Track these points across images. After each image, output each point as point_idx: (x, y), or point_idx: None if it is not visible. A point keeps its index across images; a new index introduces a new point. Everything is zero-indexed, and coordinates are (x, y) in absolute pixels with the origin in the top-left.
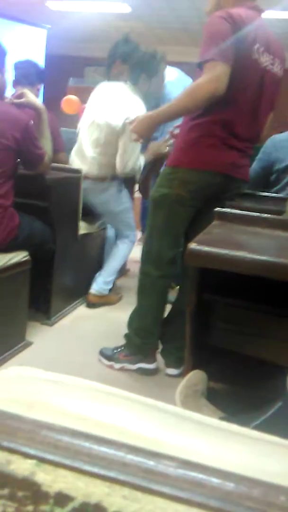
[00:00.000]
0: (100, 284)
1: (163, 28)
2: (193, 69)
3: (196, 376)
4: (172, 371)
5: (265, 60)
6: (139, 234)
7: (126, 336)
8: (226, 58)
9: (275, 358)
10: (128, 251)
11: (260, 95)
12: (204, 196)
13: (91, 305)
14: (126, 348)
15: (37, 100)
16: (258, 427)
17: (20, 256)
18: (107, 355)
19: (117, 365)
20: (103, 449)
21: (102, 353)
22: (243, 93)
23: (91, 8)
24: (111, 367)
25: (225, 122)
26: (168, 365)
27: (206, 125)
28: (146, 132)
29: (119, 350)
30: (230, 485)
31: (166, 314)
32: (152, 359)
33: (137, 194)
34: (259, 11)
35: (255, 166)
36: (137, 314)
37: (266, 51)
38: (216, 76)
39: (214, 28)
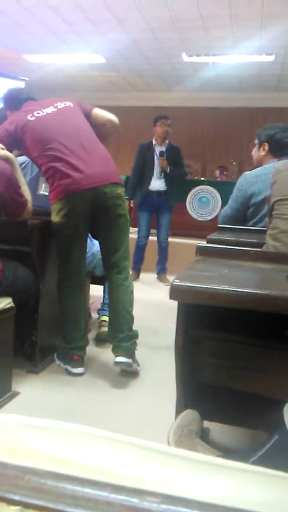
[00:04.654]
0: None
1: (136, 75)
2: (167, 112)
3: (189, 416)
4: (120, 358)
5: (45, 111)
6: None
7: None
8: None
9: (268, 391)
10: None
11: (64, 125)
12: (82, 214)
13: (101, 340)
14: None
15: (5, 151)
16: (256, 462)
17: (4, 302)
18: (59, 352)
19: (57, 361)
20: (87, 490)
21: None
22: (47, 137)
23: (67, 60)
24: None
25: (53, 159)
26: (117, 356)
27: (47, 170)
28: None
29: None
30: None
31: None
32: (77, 365)
33: (132, 235)
34: (31, 107)
35: (232, 204)
36: (61, 323)
37: (43, 108)
38: None
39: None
